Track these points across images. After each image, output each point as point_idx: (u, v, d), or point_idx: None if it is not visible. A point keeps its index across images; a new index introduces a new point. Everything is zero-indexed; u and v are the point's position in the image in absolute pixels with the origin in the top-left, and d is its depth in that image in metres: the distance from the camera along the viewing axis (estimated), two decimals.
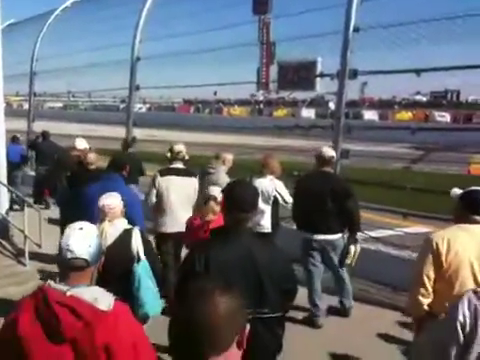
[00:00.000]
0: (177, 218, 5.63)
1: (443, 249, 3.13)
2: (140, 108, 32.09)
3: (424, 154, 22.44)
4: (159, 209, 5.83)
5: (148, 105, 49.93)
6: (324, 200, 5.24)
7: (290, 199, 5.93)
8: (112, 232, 3.67)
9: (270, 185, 5.97)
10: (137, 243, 3.66)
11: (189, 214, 5.43)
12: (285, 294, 2.82)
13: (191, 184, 5.91)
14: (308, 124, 11.87)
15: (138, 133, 10.37)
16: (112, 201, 3.79)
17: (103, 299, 2.06)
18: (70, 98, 25.44)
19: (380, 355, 4.65)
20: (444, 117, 44.79)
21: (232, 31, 9.64)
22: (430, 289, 3.18)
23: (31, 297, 2.06)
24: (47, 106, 30.48)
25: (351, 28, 6.52)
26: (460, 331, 2.26)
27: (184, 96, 54.90)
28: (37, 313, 1.99)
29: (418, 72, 6.76)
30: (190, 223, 4.82)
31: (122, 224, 3.77)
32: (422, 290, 3.18)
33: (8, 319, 2.06)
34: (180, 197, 5.81)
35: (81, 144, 7.41)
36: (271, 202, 5.98)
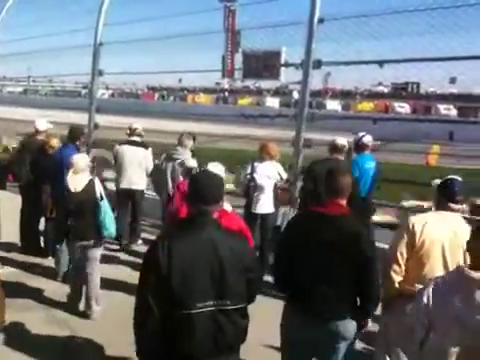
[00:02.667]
0: (130, 178, 7.44)
1: (418, 230, 3.33)
2: (103, 94, 31.50)
3: (384, 144, 22.92)
4: (117, 171, 7.61)
5: (111, 91, 49.06)
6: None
7: (285, 175, 6.60)
8: (79, 180, 5.25)
9: (272, 169, 6.48)
10: (99, 188, 5.32)
11: (139, 176, 7.41)
12: (249, 286, 2.81)
13: (142, 153, 7.47)
14: (272, 113, 11.95)
15: (101, 120, 10.20)
16: (78, 158, 5.43)
17: None
18: (30, 83, 24.75)
19: None
20: (404, 108, 45.83)
21: (198, 18, 9.59)
22: (402, 267, 3.37)
23: None
24: (6, 91, 29.58)
25: (316, 19, 6.58)
26: (424, 316, 2.37)
27: (148, 83, 54.25)
28: None
29: (381, 63, 6.90)
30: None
31: (87, 175, 5.37)
32: (395, 267, 3.37)
33: None
34: (132, 162, 7.43)
35: (42, 125, 7.27)
36: (273, 185, 6.47)
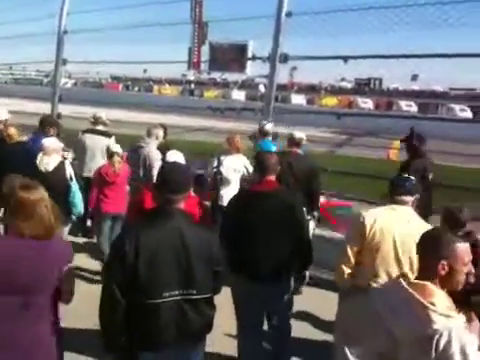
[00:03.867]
0: (92, 167, 7.18)
1: (369, 224, 3.43)
2: (65, 83, 30.79)
3: (348, 139, 23.33)
4: (79, 159, 7.52)
5: (74, 80, 48.01)
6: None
7: (251, 169, 6.49)
8: (50, 161, 5.46)
9: (239, 162, 6.47)
10: (69, 170, 5.57)
11: (101, 163, 6.92)
12: (215, 276, 2.85)
13: (105, 142, 7.30)
14: (238, 106, 11.98)
15: (64, 109, 10.01)
16: (50, 141, 5.71)
17: None
18: None
19: (314, 333, 4.84)
20: (367, 103, 46.64)
21: (164, 8, 9.51)
22: (352, 259, 3.46)
23: None
24: None
25: (283, 13, 6.64)
26: (377, 319, 2.40)
27: (112, 73, 53.33)
28: None
29: (345, 59, 7.02)
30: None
31: (57, 158, 5.58)
32: (345, 259, 3.46)
33: None
34: (95, 151, 7.43)
35: (1, 114, 7.06)
36: (239, 178, 6.46)
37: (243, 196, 4.09)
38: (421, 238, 2.38)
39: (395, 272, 3.28)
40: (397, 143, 21.84)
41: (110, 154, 6.24)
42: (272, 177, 3.85)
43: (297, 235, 3.81)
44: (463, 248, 2.27)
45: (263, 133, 7.01)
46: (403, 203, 3.53)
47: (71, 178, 5.56)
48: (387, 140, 21.79)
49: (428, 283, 2.24)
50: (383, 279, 3.31)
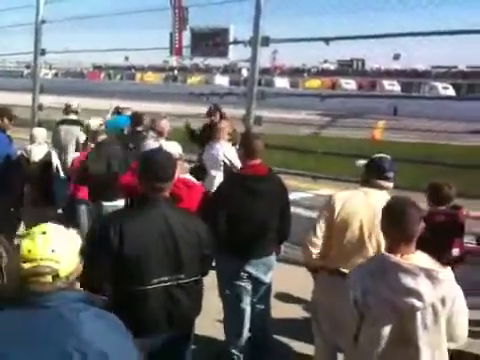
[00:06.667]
0: (65, 157, 7.20)
1: (338, 206, 3.41)
2: (46, 74, 30.37)
3: (332, 120, 23.39)
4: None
5: (55, 71, 47.31)
6: None
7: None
8: (38, 151, 5.56)
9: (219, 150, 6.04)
10: (56, 161, 5.71)
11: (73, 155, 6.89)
12: (203, 259, 2.88)
13: (78, 130, 7.34)
14: (221, 91, 11.93)
15: (46, 100, 9.88)
16: (38, 130, 5.87)
17: None
18: None
19: (287, 311, 4.89)
20: (350, 84, 46.65)
21: None
22: (319, 240, 3.44)
23: None
24: None
25: None
26: (354, 309, 2.44)
27: (93, 62, 52.61)
28: None
29: (327, 40, 7.01)
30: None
31: (45, 147, 5.73)
32: (312, 239, 3.45)
33: None
34: (67, 141, 7.46)
35: None
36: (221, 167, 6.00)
37: (235, 180, 4.13)
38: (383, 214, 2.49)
39: (362, 256, 3.27)
40: (381, 123, 22.12)
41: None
42: (258, 161, 3.92)
43: (284, 214, 4.03)
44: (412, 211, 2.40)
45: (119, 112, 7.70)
46: (382, 187, 3.47)
47: (57, 169, 5.68)
48: (371, 120, 21.94)
49: (409, 254, 2.39)
50: (351, 263, 3.26)
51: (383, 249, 2.66)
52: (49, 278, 1.79)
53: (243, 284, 3.94)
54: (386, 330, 2.35)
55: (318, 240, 3.43)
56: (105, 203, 5.26)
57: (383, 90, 42.06)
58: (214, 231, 3.24)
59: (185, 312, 2.82)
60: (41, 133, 5.79)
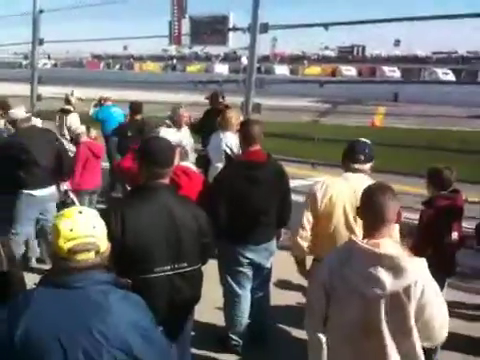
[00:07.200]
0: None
1: (320, 194, 3.39)
2: (45, 64, 30.24)
3: (331, 107, 23.33)
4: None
5: (53, 61, 47.13)
6: None
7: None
8: None
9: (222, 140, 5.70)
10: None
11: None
12: (203, 247, 2.88)
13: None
14: (220, 79, 11.89)
15: (46, 91, 9.86)
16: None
17: None
18: None
19: (287, 298, 4.87)
20: (351, 71, 46.46)
21: None
22: (308, 232, 3.43)
23: None
24: None
25: None
26: (321, 291, 2.39)
27: (92, 51, 52.47)
28: None
29: (326, 26, 6.97)
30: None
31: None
32: (300, 232, 3.45)
33: None
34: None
35: None
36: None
37: (234, 167, 4.12)
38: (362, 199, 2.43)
39: None
40: (382, 109, 22.08)
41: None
42: (259, 147, 3.89)
43: (284, 200, 4.00)
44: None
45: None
46: (360, 171, 3.45)
47: None
48: (370, 106, 21.89)
49: (379, 240, 2.29)
50: None
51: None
52: (92, 254, 1.87)
53: (244, 270, 3.94)
54: (351, 316, 2.28)
55: (307, 233, 3.44)
56: (26, 191, 5.08)
57: (383, 76, 41.89)
58: (214, 219, 3.25)
59: (187, 300, 2.83)
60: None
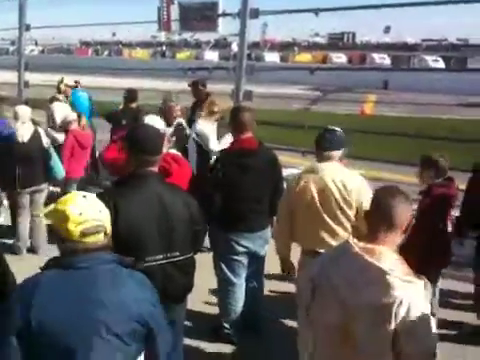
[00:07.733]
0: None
1: (294, 187, 3.44)
2: (32, 50, 29.87)
3: (322, 95, 23.29)
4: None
5: (41, 47, 46.54)
6: None
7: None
8: (26, 130, 5.39)
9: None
10: (45, 139, 5.55)
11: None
12: (195, 237, 2.87)
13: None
14: (210, 66, 11.80)
15: (34, 78, 9.70)
16: (22, 109, 5.59)
17: None
18: None
19: (280, 287, 4.85)
20: (341, 58, 46.40)
21: None
22: (287, 226, 3.48)
23: None
24: None
25: None
26: (308, 283, 2.28)
27: (81, 38, 51.88)
28: None
29: (316, 12, 6.92)
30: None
31: (30, 126, 5.49)
32: (280, 227, 3.50)
33: None
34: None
35: None
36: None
37: (226, 155, 4.05)
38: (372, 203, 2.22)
39: (327, 231, 3.33)
40: (372, 96, 22.07)
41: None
42: (250, 134, 3.85)
43: (277, 188, 3.97)
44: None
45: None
46: (329, 159, 3.46)
47: (48, 145, 5.57)
48: (360, 94, 21.88)
49: (379, 246, 2.09)
50: (321, 242, 3.30)
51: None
52: (102, 235, 1.95)
53: (240, 258, 3.91)
54: (330, 318, 2.12)
55: (286, 226, 3.49)
56: None
57: (373, 63, 41.88)
58: (208, 207, 3.25)
59: (179, 288, 2.82)
60: (25, 111, 5.57)
